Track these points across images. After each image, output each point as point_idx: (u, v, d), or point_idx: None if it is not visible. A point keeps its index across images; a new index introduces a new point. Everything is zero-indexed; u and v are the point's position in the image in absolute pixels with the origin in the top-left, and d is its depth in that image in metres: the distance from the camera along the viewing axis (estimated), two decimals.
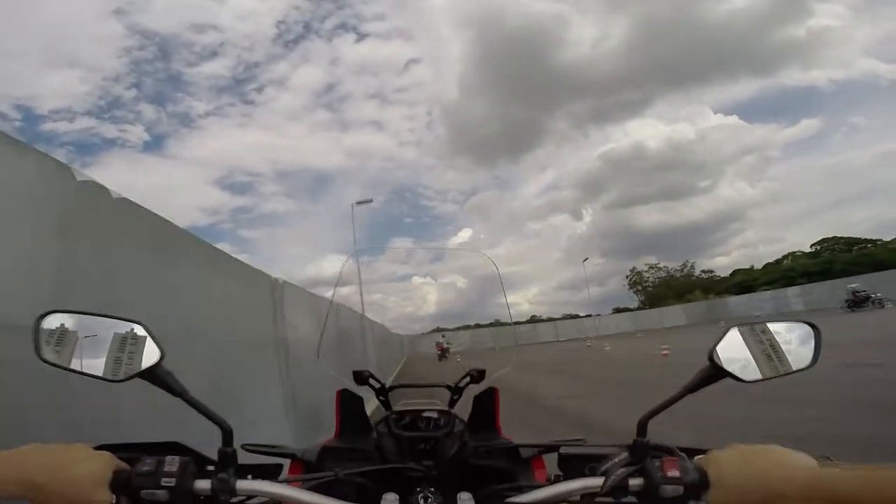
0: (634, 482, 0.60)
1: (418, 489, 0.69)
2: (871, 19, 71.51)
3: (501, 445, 0.87)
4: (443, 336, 29.66)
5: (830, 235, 48.64)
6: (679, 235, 76.48)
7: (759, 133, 77.18)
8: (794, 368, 0.66)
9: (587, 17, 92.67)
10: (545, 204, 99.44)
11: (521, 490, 0.65)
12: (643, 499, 0.59)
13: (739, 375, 0.64)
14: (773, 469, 0.49)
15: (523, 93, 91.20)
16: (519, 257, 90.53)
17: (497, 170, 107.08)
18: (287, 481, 0.68)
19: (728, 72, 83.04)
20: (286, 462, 0.83)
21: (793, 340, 0.68)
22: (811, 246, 48.62)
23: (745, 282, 47.76)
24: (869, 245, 43.11)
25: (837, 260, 40.61)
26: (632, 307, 55.04)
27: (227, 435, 0.62)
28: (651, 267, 59.86)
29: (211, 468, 0.62)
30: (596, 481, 0.60)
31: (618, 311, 51.88)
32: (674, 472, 0.57)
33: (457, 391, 1.00)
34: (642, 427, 0.64)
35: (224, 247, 2.81)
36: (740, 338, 0.67)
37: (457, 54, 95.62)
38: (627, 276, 61.09)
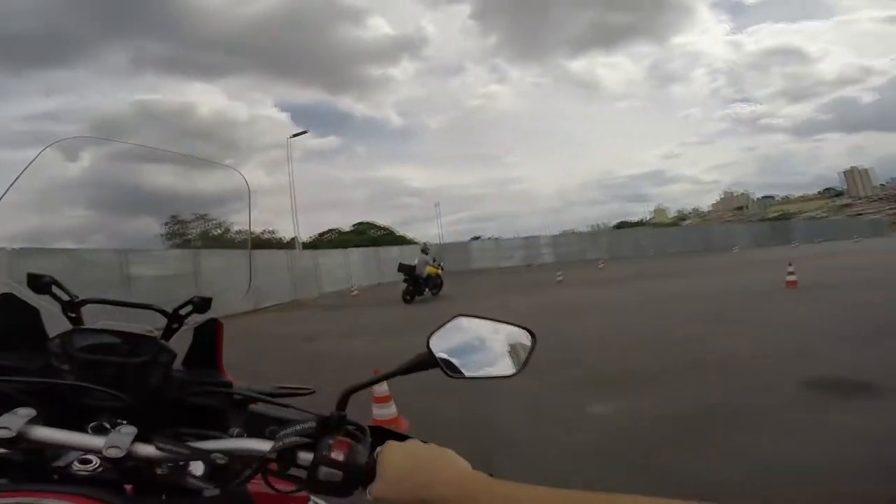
0: (304, 455, 0.56)
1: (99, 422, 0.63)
2: None
3: (212, 385, 0.77)
4: (425, 251, 14.11)
5: None
6: None
7: None
8: (499, 373, 0.64)
9: None
10: None
11: (198, 437, 0.61)
12: (309, 476, 0.55)
13: (448, 369, 0.63)
14: (441, 472, 0.49)
15: None
16: None
17: None
18: None
19: None
20: None
21: (509, 344, 0.66)
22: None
23: None
24: None
25: None
26: None
27: None
28: None
29: None
30: (264, 444, 0.57)
31: None
32: (339, 455, 0.53)
33: (175, 318, 0.86)
34: (343, 401, 0.60)
35: None
36: (462, 329, 0.66)
37: None
38: None
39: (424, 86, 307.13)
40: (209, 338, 0.84)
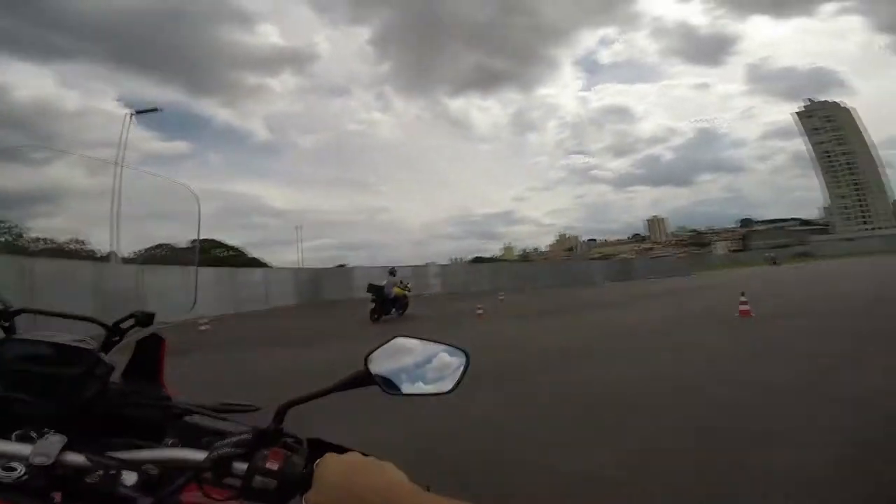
0: (239, 465, 0.56)
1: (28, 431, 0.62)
2: None
3: (151, 398, 0.76)
4: (392, 273, 14.39)
5: None
6: None
7: None
8: (435, 391, 0.67)
9: None
10: None
11: (131, 446, 0.61)
12: (243, 485, 0.55)
13: (385, 386, 0.65)
14: (378, 486, 0.49)
15: None
16: None
17: None
18: None
19: None
20: None
21: (444, 363, 0.69)
22: None
23: None
24: None
25: None
26: None
27: None
28: None
29: None
30: (199, 454, 0.58)
31: None
32: (273, 465, 0.55)
33: (116, 332, 0.83)
34: (280, 414, 0.61)
35: None
36: (400, 348, 0.68)
37: None
38: None
39: (303, 102, 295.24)
40: (151, 352, 0.83)
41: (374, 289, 13.61)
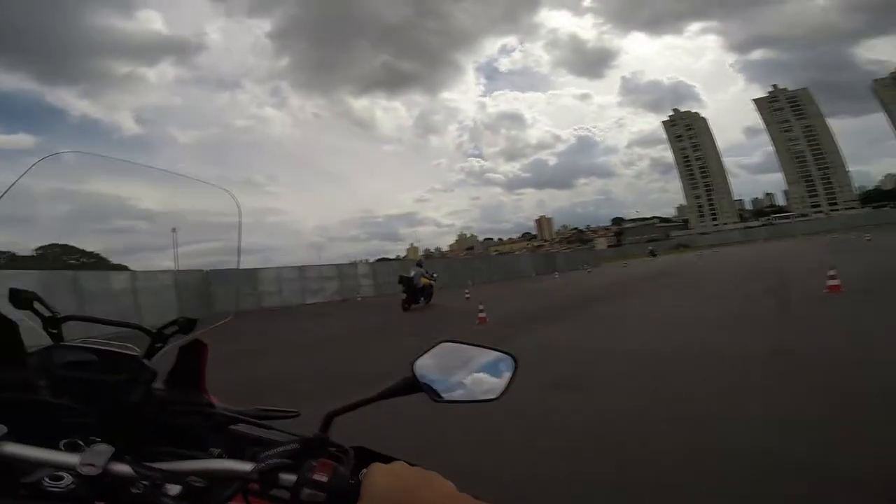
0: (286, 476, 0.55)
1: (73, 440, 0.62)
2: None
3: (193, 405, 0.73)
4: (419, 264, 15.76)
5: None
6: None
7: None
8: (483, 398, 0.67)
9: None
10: None
11: (176, 456, 0.61)
12: (291, 498, 0.53)
13: (432, 394, 0.65)
14: (426, 495, 0.49)
15: None
16: None
17: None
18: None
19: None
20: None
21: (492, 369, 0.68)
22: None
23: None
24: None
25: None
26: None
27: None
28: None
29: None
30: (246, 465, 0.56)
31: None
32: (322, 477, 0.53)
33: (160, 338, 0.83)
34: (326, 423, 0.62)
35: None
36: (446, 354, 0.68)
37: None
38: None
39: (182, 95, 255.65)
40: (193, 359, 0.80)
41: (404, 280, 14.47)
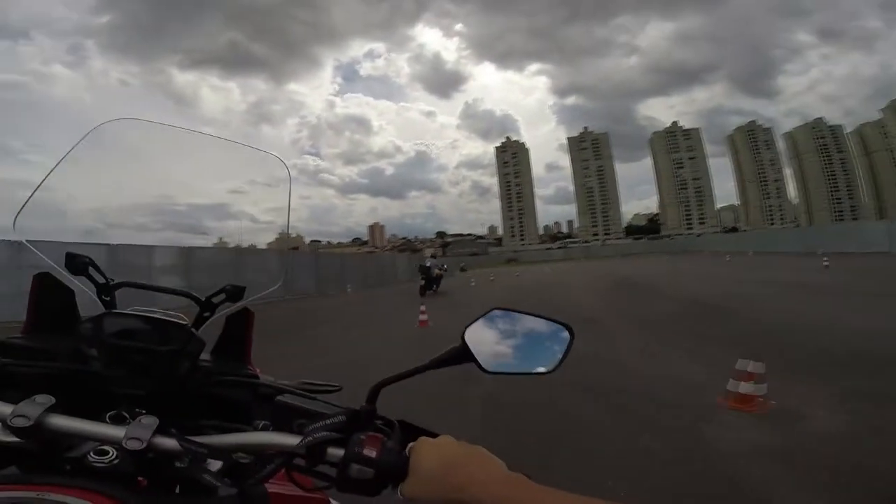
0: (334, 451, 0.54)
1: (119, 411, 0.60)
2: None
3: (240, 377, 0.73)
4: (434, 256, 19.84)
5: None
6: None
7: None
8: (537, 370, 0.64)
9: None
10: None
11: (220, 429, 0.62)
12: (339, 474, 0.52)
13: (483, 363, 0.61)
14: (477, 473, 0.48)
15: None
16: None
17: None
18: None
19: None
20: None
21: (546, 339, 0.65)
22: None
23: None
24: None
25: None
26: None
27: None
28: None
29: None
30: (292, 439, 0.56)
31: None
32: (370, 452, 0.52)
33: (208, 307, 0.81)
34: (373, 395, 0.60)
35: None
36: (498, 321, 0.65)
37: None
38: None
39: None
40: (240, 328, 0.82)
41: (424, 269, 17.62)
